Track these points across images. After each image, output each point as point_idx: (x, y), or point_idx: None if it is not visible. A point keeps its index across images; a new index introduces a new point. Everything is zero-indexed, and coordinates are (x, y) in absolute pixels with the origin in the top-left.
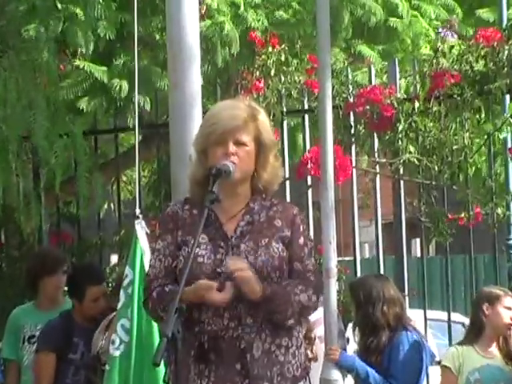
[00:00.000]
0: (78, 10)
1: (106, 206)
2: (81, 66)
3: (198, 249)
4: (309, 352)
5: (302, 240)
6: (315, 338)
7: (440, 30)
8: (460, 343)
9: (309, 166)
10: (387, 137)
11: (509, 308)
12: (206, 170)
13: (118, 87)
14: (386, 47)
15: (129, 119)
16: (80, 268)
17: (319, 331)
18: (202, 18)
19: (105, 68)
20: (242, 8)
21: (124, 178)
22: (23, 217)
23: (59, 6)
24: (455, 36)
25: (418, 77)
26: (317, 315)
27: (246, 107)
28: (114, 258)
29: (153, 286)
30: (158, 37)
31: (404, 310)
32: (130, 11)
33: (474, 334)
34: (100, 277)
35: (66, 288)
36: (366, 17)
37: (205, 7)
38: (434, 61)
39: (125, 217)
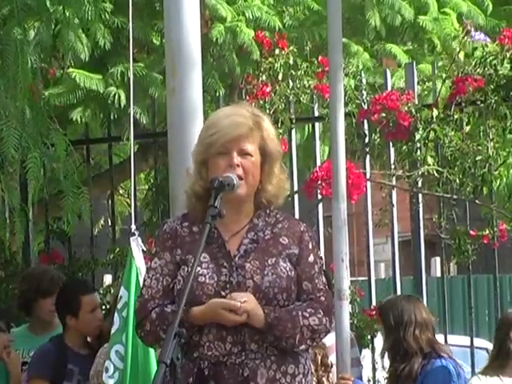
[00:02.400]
0: (66, 13)
1: (102, 222)
2: (72, 76)
3: (199, 268)
4: (324, 380)
5: (311, 258)
6: (332, 365)
7: (473, 33)
8: (483, 372)
9: (320, 184)
10: (404, 147)
11: None
12: (206, 183)
13: (115, 97)
14: (412, 48)
15: (125, 127)
16: (69, 281)
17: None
18: (206, 23)
19: (99, 76)
20: (253, 9)
21: (122, 191)
22: (8, 233)
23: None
24: (488, 39)
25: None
26: (333, 340)
27: (250, 114)
28: (108, 279)
29: (149, 306)
30: (157, 41)
31: (435, 335)
32: (126, 14)
33: (500, 363)
34: (92, 287)
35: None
36: (393, 18)
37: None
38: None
39: (122, 233)
